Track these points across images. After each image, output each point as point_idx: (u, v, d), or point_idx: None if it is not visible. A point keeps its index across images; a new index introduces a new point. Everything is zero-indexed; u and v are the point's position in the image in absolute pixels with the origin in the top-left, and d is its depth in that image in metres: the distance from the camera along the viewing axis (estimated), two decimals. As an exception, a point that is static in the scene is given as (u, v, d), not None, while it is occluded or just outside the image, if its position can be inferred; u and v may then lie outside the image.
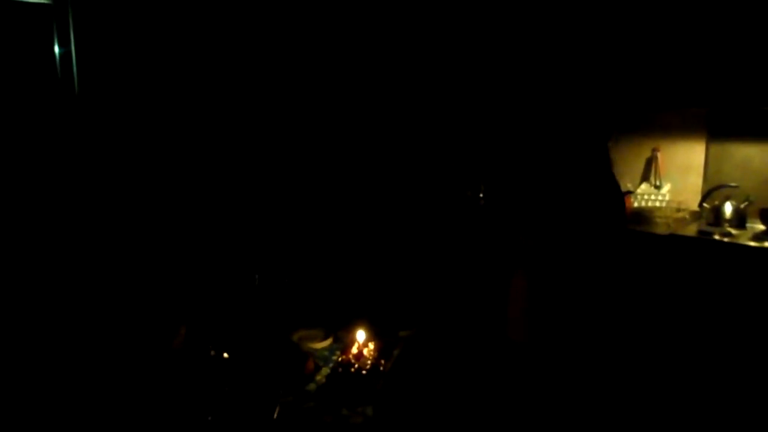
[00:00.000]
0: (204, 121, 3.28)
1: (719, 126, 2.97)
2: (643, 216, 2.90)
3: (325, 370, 2.78)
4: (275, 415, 2.42)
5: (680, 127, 3.12)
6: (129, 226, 3.08)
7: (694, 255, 2.56)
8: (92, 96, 3.01)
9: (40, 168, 2.94)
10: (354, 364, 2.67)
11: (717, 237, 2.57)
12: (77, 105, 2.99)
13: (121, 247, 3.05)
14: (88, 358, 2.70)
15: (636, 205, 3.08)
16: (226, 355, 2.71)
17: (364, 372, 2.63)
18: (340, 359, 2.77)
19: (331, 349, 3.01)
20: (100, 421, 2.34)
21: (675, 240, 2.62)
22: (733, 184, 2.87)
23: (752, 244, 2.45)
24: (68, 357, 2.70)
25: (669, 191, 3.10)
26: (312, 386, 2.67)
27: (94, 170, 3.04)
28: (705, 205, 2.90)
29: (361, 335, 2.85)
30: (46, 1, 2.87)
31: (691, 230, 2.72)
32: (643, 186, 3.16)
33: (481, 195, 3.39)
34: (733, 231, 2.65)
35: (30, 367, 2.62)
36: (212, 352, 2.70)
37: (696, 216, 2.93)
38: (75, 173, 3.01)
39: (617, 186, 2.37)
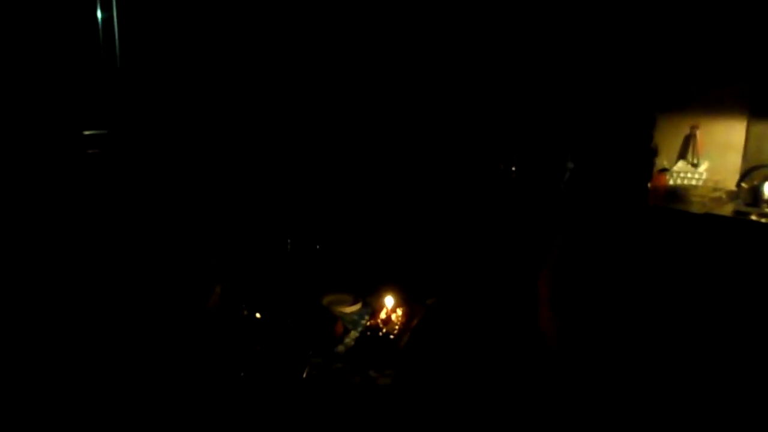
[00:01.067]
0: (241, 94, 3.33)
1: (761, 104, 2.91)
2: (679, 194, 2.87)
3: (354, 334, 2.84)
4: (305, 375, 2.49)
5: (720, 104, 3.06)
6: (170, 193, 3.15)
7: (730, 235, 2.53)
8: (133, 63, 3.06)
9: (79, 138, 3.01)
10: (382, 329, 2.72)
11: (754, 218, 2.53)
12: (118, 72, 3.05)
13: (166, 211, 3.13)
14: (129, 315, 2.79)
15: (672, 183, 3.04)
16: (258, 315, 2.78)
17: (391, 336, 2.68)
18: (368, 323, 2.82)
19: (360, 314, 3.06)
20: (139, 378, 2.42)
21: (711, 219, 2.59)
22: (773, 164, 2.82)
23: (790, 225, 2.42)
24: (109, 313, 2.79)
25: (706, 170, 3.05)
26: (341, 348, 2.73)
27: (134, 133, 3.11)
28: (743, 185, 2.85)
29: (389, 301, 2.90)
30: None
31: (728, 210, 2.69)
32: (680, 164, 3.12)
33: (513, 168, 3.39)
34: (771, 212, 2.61)
35: (71, 325, 2.71)
36: (245, 312, 2.78)
37: (733, 196, 2.89)
38: (116, 143, 3.08)
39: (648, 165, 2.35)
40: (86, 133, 3.01)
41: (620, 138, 2.33)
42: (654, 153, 2.60)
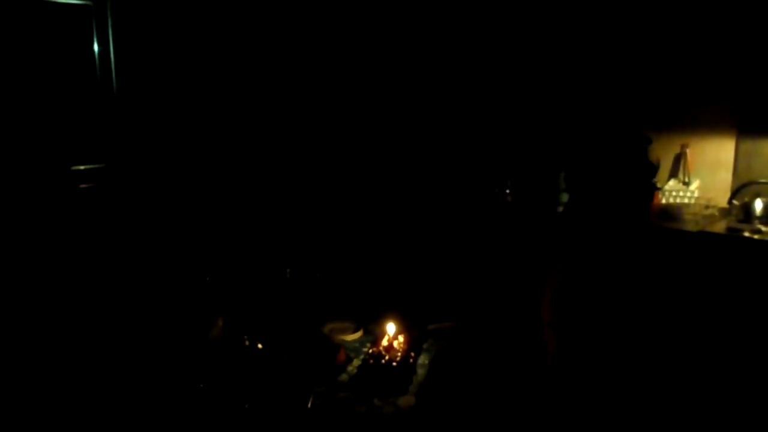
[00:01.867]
0: (240, 119, 3.36)
1: (749, 122, 2.96)
2: (672, 213, 2.91)
3: (356, 362, 2.85)
4: (309, 404, 2.49)
5: (710, 123, 3.11)
6: (167, 221, 3.17)
7: (723, 252, 2.56)
8: (130, 94, 3.10)
9: (79, 164, 3.03)
10: (384, 356, 2.73)
11: (747, 234, 2.56)
12: (115, 103, 3.08)
13: (163, 242, 3.14)
14: (131, 347, 2.79)
15: (664, 201, 3.09)
16: (260, 345, 2.79)
17: (394, 364, 2.69)
18: (370, 351, 2.83)
19: (361, 341, 3.07)
20: (142, 409, 2.42)
21: (704, 237, 2.62)
22: (763, 180, 2.87)
23: (783, 241, 2.45)
24: (110, 347, 2.80)
25: (698, 188, 3.09)
26: (344, 377, 2.73)
27: (132, 166, 3.13)
28: (734, 202, 2.90)
29: (391, 328, 2.91)
30: (85, 2, 2.96)
31: (720, 227, 2.72)
32: (672, 182, 3.16)
33: (507, 191, 3.42)
34: (763, 228, 2.64)
35: (65, 357, 2.71)
36: (247, 343, 2.79)
37: (725, 213, 2.93)
38: (114, 168, 3.10)
39: (649, 181, 2.38)
40: (81, 168, 3.04)
41: (618, 159, 2.36)
42: (654, 171, 2.64)
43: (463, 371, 2.74)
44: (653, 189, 2.55)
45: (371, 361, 2.73)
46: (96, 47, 3.04)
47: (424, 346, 2.96)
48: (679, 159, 3.19)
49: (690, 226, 2.73)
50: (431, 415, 2.47)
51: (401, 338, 2.86)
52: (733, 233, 2.60)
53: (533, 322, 2.52)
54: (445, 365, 2.80)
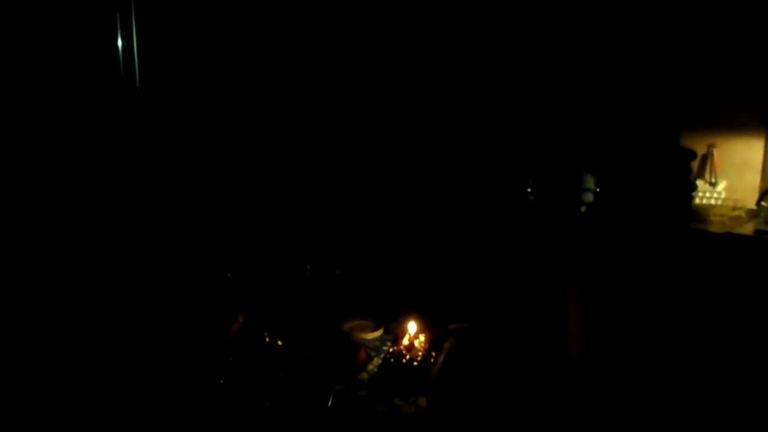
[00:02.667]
0: (263, 114, 3.36)
1: (779, 122, 2.91)
2: (698, 214, 2.87)
3: (377, 361, 2.84)
4: (329, 403, 2.49)
5: (738, 122, 3.06)
6: (188, 217, 3.18)
7: (750, 254, 2.52)
8: (153, 89, 3.10)
9: (101, 161, 3.05)
10: (405, 355, 2.72)
11: (775, 236, 2.53)
12: (139, 99, 3.09)
13: (184, 237, 3.15)
14: (152, 343, 2.80)
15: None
16: (280, 342, 2.79)
17: (415, 363, 2.68)
18: (391, 350, 2.82)
19: (381, 340, 3.06)
20: (162, 405, 2.43)
21: (731, 239, 2.58)
22: (792, 182, 2.82)
23: (812, 244, 2.41)
24: (130, 342, 2.81)
25: (725, 189, 3.05)
26: (364, 376, 2.73)
27: (155, 161, 3.14)
28: (763, 203, 2.85)
29: (412, 327, 2.90)
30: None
31: (748, 229, 2.67)
32: (698, 183, 3.11)
33: (529, 190, 3.39)
34: (792, 231, 2.60)
35: (85, 351, 2.73)
36: (268, 340, 2.79)
37: (753, 215, 2.88)
38: (136, 165, 3.12)
39: (685, 184, 2.34)
40: (104, 162, 3.05)
41: (652, 156, 2.32)
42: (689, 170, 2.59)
43: (477, 372, 2.71)
44: (690, 188, 2.49)
45: (392, 360, 2.73)
46: (120, 43, 3.04)
47: (445, 345, 2.94)
48: (705, 159, 3.14)
49: (716, 228, 2.69)
50: (443, 415, 2.45)
51: (422, 337, 2.85)
52: (761, 235, 2.56)
53: (553, 322, 2.50)
54: (459, 365, 2.78)
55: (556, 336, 2.55)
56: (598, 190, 2.60)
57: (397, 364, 2.69)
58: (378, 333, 3.11)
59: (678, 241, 2.58)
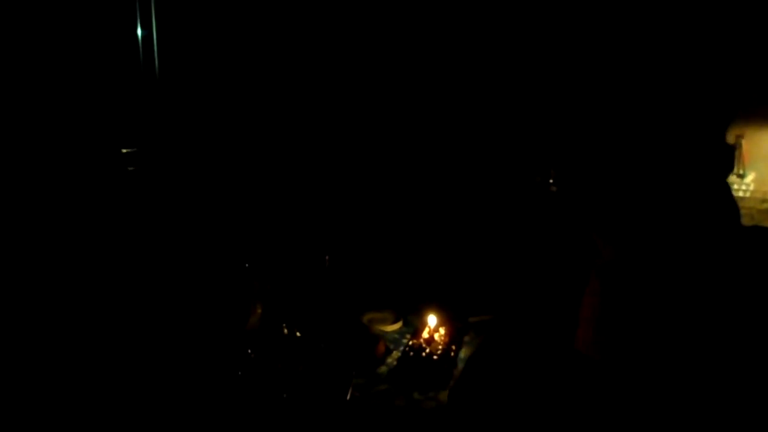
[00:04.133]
0: (283, 104, 3.34)
1: (811, 113, 2.83)
2: (726, 207, 2.81)
3: (396, 354, 2.81)
4: (348, 396, 2.47)
5: (767, 113, 2.98)
6: (207, 206, 3.17)
7: (780, 249, 2.46)
8: (172, 78, 3.09)
9: (120, 150, 3.05)
10: (425, 349, 2.70)
11: (806, 231, 2.47)
12: (158, 88, 3.09)
13: (202, 227, 3.15)
14: (169, 333, 2.81)
15: (717, 194, 2.98)
16: (298, 333, 2.78)
17: (435, 357, 2.65)
18: (410, 343, 2.80)
19: (401, 333, 3.03)
20: (179, 396, 2.43)
21: (759, 232, 2.53)
22: (824, 174, 2.74)
23: None
24: (146, 332, 2.82)
25: (753, 181, 2.98)
26: (383, 369, 2.70)
27: (174, 150, 3.13)
28: (793, 196, 2.78)
29: (432, 320, 2.87)
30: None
31: (777, 223, 2.62)
32: (725, 175, 3.05)
33: (551, 181, 3.34)
34: (823, 225, 2.54)
35: (102, 338, 2.74)
36: (286, 331, 2.78)
37: (782, 208, 2.82)
38: (157, 152, 3.11)
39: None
40: (125, 150, 3.06)
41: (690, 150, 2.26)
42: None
43: (501, 368, 2.68)
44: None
45: (411, 353, 2.70)
46: (139, 32, 3.03)
47: (466, 339, 2.91)
48: (733, 150, 3.07)
49: (745, 221, 2.64)
50: (465, 412, 2.42)
51: (442, 330, 2.82)
52: (791, 230, 2.51)
53: (569, 319, 2.46)
54: (483, 361, 2.74)
55: (564, 329, 2.50)
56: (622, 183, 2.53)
57: (416, 358, 2.66)
58: (397, 326, 3.08)
59: (710, 236, 2.52)
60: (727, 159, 2.37)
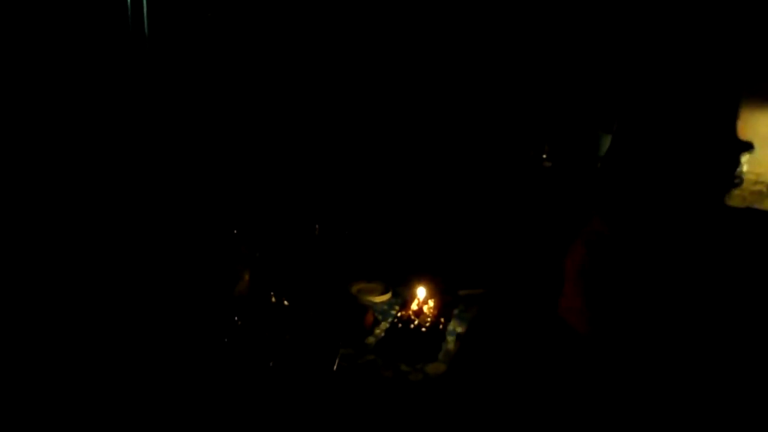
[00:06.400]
0: (274, 70, 3.27)
1: (809, 94, 2.81)
2: (718, 187, 2.80)
3: (384, 325, 2.81)
4: (335, 366, 2.46)
5: (762, 93, 2.97)
6: (197, 172, 3.12)
7: (769, 231, 2.47)
8: (162, 42, 3.00)
9: (106, 112, 2.97)
10: (414, 321, 2.69)
11: (798, 213, 2.47)
12: (147, 50, 3.00)
13: (191, 192, 3.09)
14: (154, 298, 2.77)
15: (710, 174, 2.97)
16: (286, 302, 2.76)
17: (423, 329, 2.65)
18: (399, 314, 2.79)
19: (390, 304, 3.02)
20: (163, 362, 2.41)
21: (751, 214, 2.53)
22: (818, 157, 2.74)
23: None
24: (131, 297, 2.78)
25: (746, 162, 2.97)
26: (371, 340, 2.70)
27: (163, 115, 3.06)
28: (786, 179, 2.78)
29: (421, 292, 2.86)
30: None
31: (769, 205, 2.62)
32: (719, 155, 3.04)
33: (545, 156, 3.32)
34: (816, 208, 2.54)
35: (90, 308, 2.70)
36: (274, 299, 2.76)
37: (775, 190, 2.82)
38: (146, 117, 3.04)
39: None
40: (114, 117, 2.98)
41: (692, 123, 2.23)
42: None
43: (498, 340, 2.68)
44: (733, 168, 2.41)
45: (400, 325, 2.69)
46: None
47: (455, 312, 2.91)
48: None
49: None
50: (462, 385, 2.43)
51: (432, 303, 2.82)
52: (782, 212, 2.50)
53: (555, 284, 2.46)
54: (480, 334, 2.74)
55: (548, 298, 2.51)
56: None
57: (405, 330, 2.66)
58: (386, 297, 3.07)
59: (699, 215, 2.52)
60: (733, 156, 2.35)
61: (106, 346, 2.49)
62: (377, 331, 2.76)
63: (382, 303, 3.03)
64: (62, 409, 2.25)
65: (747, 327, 2.43)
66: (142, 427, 2.22)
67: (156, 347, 2.50)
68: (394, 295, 3.09)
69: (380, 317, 2.87)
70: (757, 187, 2.78)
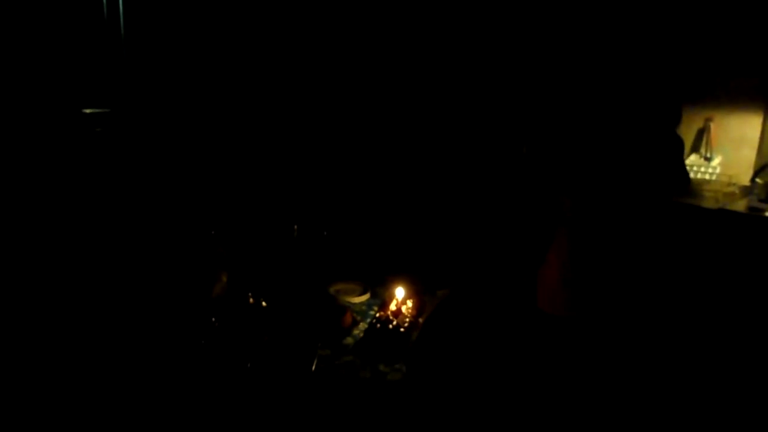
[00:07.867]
0: (253, 65, 3.25)
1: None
2: (691, 189, 2.84)
3: (363, 325, 2.80)
4: (313, 367, 2.45)
5: (736, 97, 3.02)
6: (173, 171, 3.09)
7: (743, 231, 2.51)
8: (138, 36, 2.98)
9: (81, 110, 2.94)
10: (392, 321, 2.69)
11: (768, 214, 2.52)
12: (123, 45, 2.97)
13: (168, 192, 3.07)
14: (132, 300, 2.74)
15: (684, 176, 3.02)
16: (264, 303, 2.74)
17: (402, 330, 2.65)
18: (378, 315, 2.79)
19: (368, 304, 3.02)
20: (142, 364, 2.39)
21: (724, 215, 2.57)
22: (789, 159, 2.80)
23: (806, 224, 2.40)
24: (109, 297, 2.75)
25: (720, 164, 3.02)
26: (349, 340, 2.69)
27: (140, 112, 3.03)
28: (758, 180, 2.83)
29: (400, 292, 2.86)
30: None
31: (741, 206, 2.66)
32: (693, 157, 3.09)
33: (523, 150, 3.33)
34: (786, 209, 2.59)
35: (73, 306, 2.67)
36: (251, 300, 2.74)
37: (747, 191, 2.87)
38: (123, 113, 3.01)
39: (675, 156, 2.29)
40: (88, 111, 2.95)
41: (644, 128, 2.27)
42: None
43: (457, 338, 2.67)
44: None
45: (378, 325, 2.69)
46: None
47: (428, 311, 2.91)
48: (702, 133, 3.10)
49: (709, 203, 2.67)
50: (422, 382, 2.42)
51: (410, 303, 2.82)
52: (753, 212, 2.55)
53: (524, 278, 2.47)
54: (437, 332, 2.74)
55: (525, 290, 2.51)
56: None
57: (383, 330, 2.65)
58: (365, 297, 3.07)
59: (670, 214, 2.55)
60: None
61: (80, 346, 2.46)
62: (356, 331, 2.76)
63: (361, 303, 3.03)
64: (40, 409, 2.21)
65: (719, 324, 2.47)
66: (119, 427, 2.19)
67: (132, 348, 2.47)
68: (372, 296, 3.08)
69: (359, 318, 2.87)
70: (730, 189, 2.83)
